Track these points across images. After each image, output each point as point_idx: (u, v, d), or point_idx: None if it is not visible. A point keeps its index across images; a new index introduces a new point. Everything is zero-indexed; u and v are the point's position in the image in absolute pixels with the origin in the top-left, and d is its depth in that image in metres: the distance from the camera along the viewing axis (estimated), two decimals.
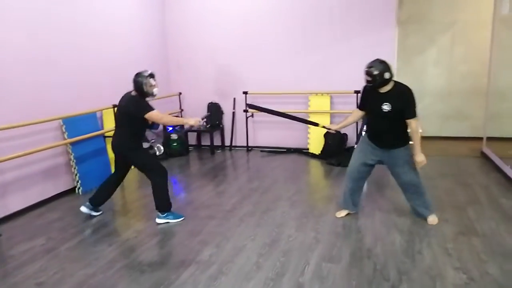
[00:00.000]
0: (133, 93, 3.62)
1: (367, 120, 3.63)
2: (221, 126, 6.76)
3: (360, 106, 3.60)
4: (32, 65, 4.19)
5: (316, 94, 6.16)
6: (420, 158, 3.30)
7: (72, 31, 4.73)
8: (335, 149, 5.83)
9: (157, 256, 3.12)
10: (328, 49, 6.10)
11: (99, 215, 3.94)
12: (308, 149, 6.27)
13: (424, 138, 6.10)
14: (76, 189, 4.71)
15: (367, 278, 2.69)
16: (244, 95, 6.42)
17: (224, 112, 6.76)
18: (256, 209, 3.99)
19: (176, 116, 3.64)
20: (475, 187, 4.41)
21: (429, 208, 3.53)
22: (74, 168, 4.67)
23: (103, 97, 5.15)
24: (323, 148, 5.99)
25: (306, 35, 6.16)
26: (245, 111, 3.90)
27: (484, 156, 5.70)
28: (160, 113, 3.62)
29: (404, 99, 3.24)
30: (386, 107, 3.24)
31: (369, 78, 3.23)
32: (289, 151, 6.40)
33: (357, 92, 5.79)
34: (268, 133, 6.64)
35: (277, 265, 2.91)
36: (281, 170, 5.43)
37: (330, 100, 6.13)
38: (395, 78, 3.30)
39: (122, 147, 3.69)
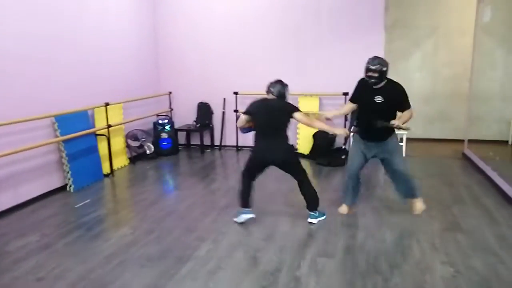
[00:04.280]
0: (271, 97, 3.54)
1: (357, 115, 3.75)
2: (211, 126, 6.82)
3: (352, 99, 3.74)
4: (24, 62, 4.17)
5: (305, 95, 6.29)
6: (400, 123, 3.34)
7: (65, 29, 4.73)
8: (324, 149, 5.97)
9: (156, 252, 3.16)
10: (317, 52, 6.23)
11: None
12: (296, 149, 6.38)
13: (409, 140, 6.37)
14: (68, 186, 4.70)
15: (360, 271, 2.81)
16: (235, 95, 6.51)
17: (214, 112, 6.83)
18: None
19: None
20: (459, 187, 4.61)
21: (416, 192, 3.72)
22: (66, 166, 4.66)
23: (94, 95, 5.16)
24: (312, 148, 6.12)
25: (296, 38, 6.28)
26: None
27: (465, 157, 5.93)
28: None
29: (397, 93, 3.41)
30: (379, 99, 3.39)
31: (376, 75, 3.33)
32: None
33: (345, 94, 5.95)
34: None
35: (274, 259, 3.00)
36: (271, 170, 5.45)
37: (319, 102, 6.27)
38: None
39: (288, 153, 3.64)
